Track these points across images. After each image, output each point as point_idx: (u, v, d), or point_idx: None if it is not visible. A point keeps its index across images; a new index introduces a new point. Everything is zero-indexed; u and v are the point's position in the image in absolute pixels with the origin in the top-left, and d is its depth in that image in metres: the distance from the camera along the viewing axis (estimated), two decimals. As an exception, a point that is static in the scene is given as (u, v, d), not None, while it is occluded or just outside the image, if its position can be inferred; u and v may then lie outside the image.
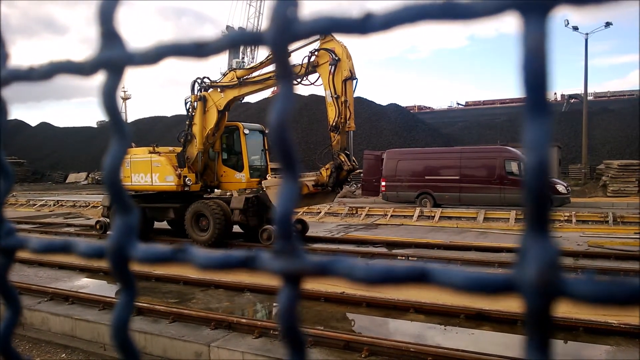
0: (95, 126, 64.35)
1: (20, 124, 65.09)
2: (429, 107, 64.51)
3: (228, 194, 13.86)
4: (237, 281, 8.22)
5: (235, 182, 13.26)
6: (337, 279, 0.36)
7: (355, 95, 11.44)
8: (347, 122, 11.16)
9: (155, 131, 53.24)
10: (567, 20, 29.13)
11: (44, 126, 66.49)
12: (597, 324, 5.78)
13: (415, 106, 62.26)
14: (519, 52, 0.31)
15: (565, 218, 15.62)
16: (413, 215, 17.43)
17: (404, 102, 58.23)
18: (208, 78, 13.01)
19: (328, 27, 0.37)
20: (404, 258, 10.75)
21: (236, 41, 0.38)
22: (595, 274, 0.30)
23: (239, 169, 13.14)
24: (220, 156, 13.47)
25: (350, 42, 11.56)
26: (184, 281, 8.68)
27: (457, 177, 19.71)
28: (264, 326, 6.00)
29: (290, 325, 0.39)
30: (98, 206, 22.39)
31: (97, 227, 14.37)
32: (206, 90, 12.95)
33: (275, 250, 0.38)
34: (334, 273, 0.35)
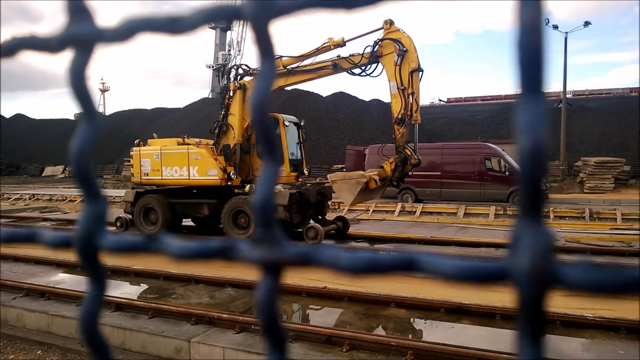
0: (73, 118, 62.96)
1: (-7, 116, 63.30)
2: (411, 103, 64.68)
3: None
4: (218, 276, 8.15)
5: None
6: (320, 269, 0.34)
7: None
8: (414, 114, 10.73)
9: (134, 124, 52.38)
10: (548, 19, 29.69)
11: (19, 118, 64.71)
12: (573, 317, 5.89)
13: (397, 102, 62.42)
14: (514, 30, 0.30)
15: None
16: (395, 211, 17.54)
17: (386, 98, 58.34)
18: (247, 65, 12.34)
19: (312, 2, 0.35)
20: (385, 252, 10.78)
21: (213, 16, 0.36)
22: (589, 264, 0.28)
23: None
24: (255, 149, 12.45)
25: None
26: (164, 276, 8.57)
27: (438, 173, 19.89)
28: (245, 321, 5.96)
29: (269, 318, 0.37)
30: (75, 200, 21.99)
31: (118, 224, 12.62)
32: (242, 78, 12.27)
33: (255, 239, 0.36)
34: (317, 263, 0.33)
